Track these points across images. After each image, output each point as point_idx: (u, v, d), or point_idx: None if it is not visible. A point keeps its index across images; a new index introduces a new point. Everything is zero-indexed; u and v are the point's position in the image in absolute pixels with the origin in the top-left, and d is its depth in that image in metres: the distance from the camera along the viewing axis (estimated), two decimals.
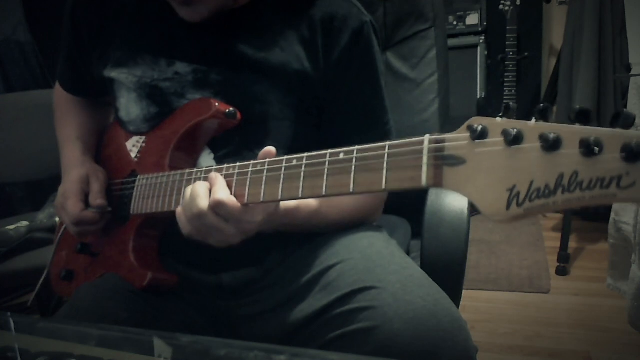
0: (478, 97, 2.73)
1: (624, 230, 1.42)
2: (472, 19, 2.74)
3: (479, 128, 0.40)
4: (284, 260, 0.75)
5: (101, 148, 0.87)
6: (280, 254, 0.76)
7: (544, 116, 0.38)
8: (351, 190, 0.49)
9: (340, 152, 0.50)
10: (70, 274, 0.83)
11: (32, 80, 2.45)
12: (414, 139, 0.45)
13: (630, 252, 1.36)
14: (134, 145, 0.78)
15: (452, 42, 2.65)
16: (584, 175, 0.34)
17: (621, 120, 0.34)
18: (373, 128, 0.77)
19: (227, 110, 0.69)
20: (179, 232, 0.74)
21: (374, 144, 0.48)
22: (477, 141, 0.40)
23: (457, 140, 0.41)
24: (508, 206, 0.38)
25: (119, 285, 0.72)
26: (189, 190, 0.60)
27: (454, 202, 0.81)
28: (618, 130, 0.34)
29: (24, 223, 1.31)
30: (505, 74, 2.62)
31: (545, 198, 0.36)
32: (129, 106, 0.77)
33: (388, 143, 0.47)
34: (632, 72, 1.91)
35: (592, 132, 0.34)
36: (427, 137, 0.44)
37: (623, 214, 1.43)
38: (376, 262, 0.67)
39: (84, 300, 0.71)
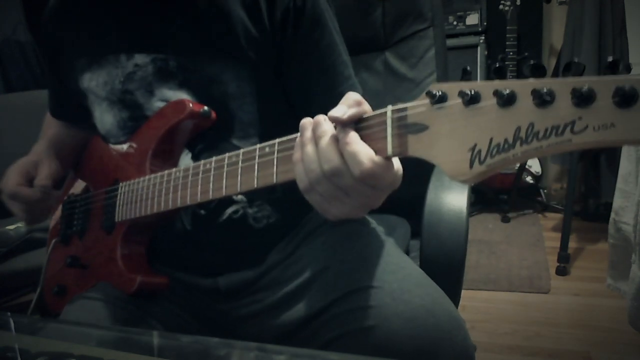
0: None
1: (624, 230, 1.42)
2: (472, 19, 2.74)
3: (438, 93, 0.41)
4: (282, 260, 0.75)
5: (84, 162, 0.87)
6: (278, 256, 0.76)
7: (501, 74, 0.40)
8: None
9: None
10: (62, 289, 0.83)
11: (32, 80, 2.45)
12: (377, 112, 0.46)
13: (630, 252, 1.36)
14: (115, 155, 0.79)
15: (452, 42, 2.65)
16: (539, 126, 0.35)
17: (572, 70, 0.36)
18: (337, 85, 0.73)
19: (201, 110, 0.69)
20: (171, 237, 0.74)
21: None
22: (436, 105, 0.41)
23: (418, 107, 0.43)
24: (471, 165, 0.39)
25: (110, 294, 0.73)
26: (310, 141, 0.48)
27: (453, 201, 0.81)
28: (568, 78, 0.35)
29: (24, 223, 1.31)
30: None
31: (505, 152, 0.37)
32: (103, 117, 0.77)
33: None
34: (632, 72, 1.91)
35: (543, 83, 0.35)
36: (389, 107, 0.45)
37: (623, 214, 1.42)
38: (373, 262, 0.67)
39: (74, 313, 0.72)
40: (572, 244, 2.20)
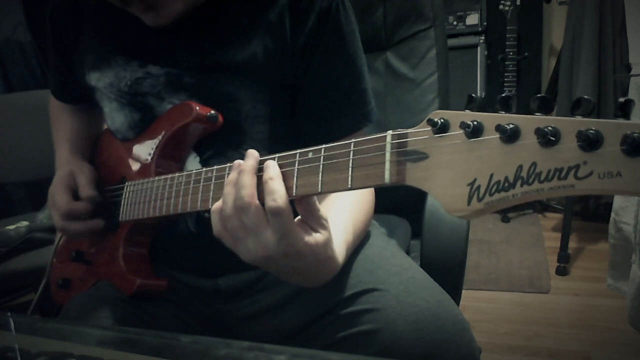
0: (478, 97, 2.72)
1: (624, 230, 1.42)
2: (472, 19, 2.74)
3: (440, 122, 0.39)
4: None
5: (95, 156, 0.87)
6: None
7: (506, 106, 0.37)
8: (319, 190, 0.48)
9: (309, 152, 0.50)
10: (66, 283, 0.83)
11: (32, 80, 2.45)
12: (377, 136, 0.44)
13: (630, 252, 1.36)
14: (123, 152, 0.79)
15: (452, 42, 2.65)
16: (542, 166, 0.34)
17: (582, 107, 0.33)
18: (349, 111, 0.72)
19: (208, 114, 0.68)
20: (174, 237, 0.74)
21: (341, 142, 0.47)
22: (438, 135, 0.39)
23: (419, 135, 0.41)
24: (469, 201, 0.37)
25: (110, 294, 0.73)
26: (231, 182, 0.52)
27: None
28: (575, 118, 0.33)
29: (24, 223, 1.31)
30: (505, 74, 2.62)
31: (504, 191, 0.35)
32: (113, 115, 0.77)
33: (353, 141, 0.46)
34: (632, 72, 1.92)
35: (548, 121, 0.34)
36: (389, 133, 0.43)
37: (623, 214, 1.43)
38: (377, 264, 0.67)
39: (74, 312, 0.72)
40: (572, 244, 2.20)
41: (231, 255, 0.69)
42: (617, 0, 2.15)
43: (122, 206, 0.73)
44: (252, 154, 0.52)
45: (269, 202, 0.48)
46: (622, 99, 0.32)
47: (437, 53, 1.06)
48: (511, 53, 2.57)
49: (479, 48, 2.70)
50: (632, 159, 0.30)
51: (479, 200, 0.37)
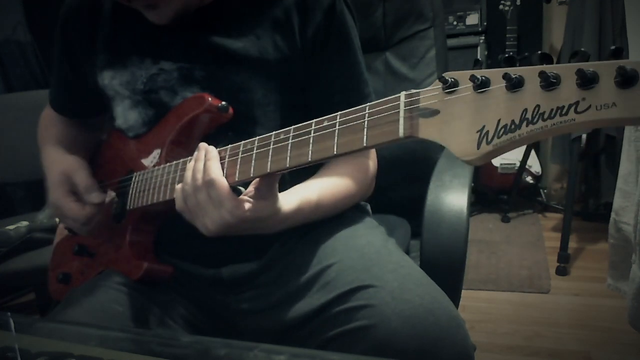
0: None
1: (624, 230, 1.42)
2: (472, 19, 2.74)
3: (451, 79, 0.43)
4: (284, 256, 0.76)
5: (101, 155, 0.88)
6: (281, 249, 0.76)
7: (510, 63, 0.42)
8: (335, 153, 0.51)
9: (324, 120, 0.53)
10: (66, 277, 0.83)
11: (32, 80, 2.45)
12: (391, 97, 0.47)
13: (630, 252, 1.36)
14: (131, 146, 0.79)
15: (452, 42, 2.65)
16: (545, 107, 0.37)
17: (579, 56, 0.38)
18: (354, 102, 0.76)
19: (220, 105, 0.70)
20: (178, 226, 0.75)
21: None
22: (448, 91, 0.43)
23: (430, 92, 0.45)
24: (478, 145, 0.40)
25: (114, 280, 0.74)
26: (190, 166, 0.62)
27: (454, 201, 0.81)
28: (574, 63, 0.37)
29: (24, 223, 1.31)
30: None
31: (511, 132, 0.39)
32: (126, 113, 0.78)
33: (368, 104, 0.49)
34: None
35: (550, 68, 0.37)
36: (403, 93, 0.47)
37: (623, 214, 1.42)
38: (374, 261, 0.67)
39: (78, 296, 0.72)
40: (572, 244, 2.20)
41: (234, 245, 0.70)
42: (617, 0, 2.15)
43: (130, 195, 0.75)
44: (202, 146, 0.62)
45: (205, 177, 0.59)
46: (613, 47, 0.37)
47: (436, 53, 1.07)
48: (511, 53, 2.57)
49: (479, 48, 2.70)
50: (625, 90, 0.34)
51: (488, 143, 0.40)
